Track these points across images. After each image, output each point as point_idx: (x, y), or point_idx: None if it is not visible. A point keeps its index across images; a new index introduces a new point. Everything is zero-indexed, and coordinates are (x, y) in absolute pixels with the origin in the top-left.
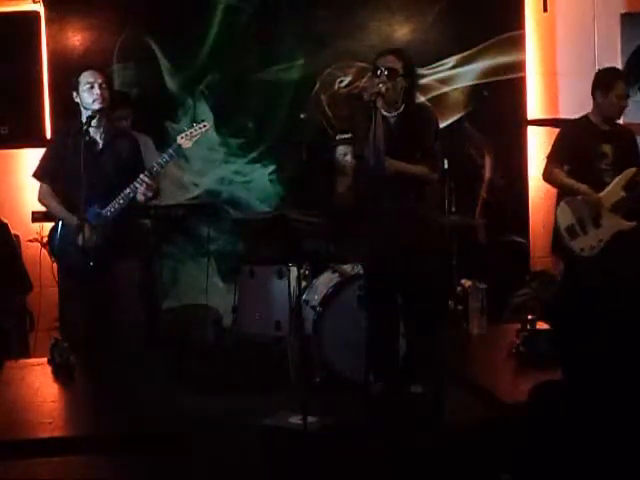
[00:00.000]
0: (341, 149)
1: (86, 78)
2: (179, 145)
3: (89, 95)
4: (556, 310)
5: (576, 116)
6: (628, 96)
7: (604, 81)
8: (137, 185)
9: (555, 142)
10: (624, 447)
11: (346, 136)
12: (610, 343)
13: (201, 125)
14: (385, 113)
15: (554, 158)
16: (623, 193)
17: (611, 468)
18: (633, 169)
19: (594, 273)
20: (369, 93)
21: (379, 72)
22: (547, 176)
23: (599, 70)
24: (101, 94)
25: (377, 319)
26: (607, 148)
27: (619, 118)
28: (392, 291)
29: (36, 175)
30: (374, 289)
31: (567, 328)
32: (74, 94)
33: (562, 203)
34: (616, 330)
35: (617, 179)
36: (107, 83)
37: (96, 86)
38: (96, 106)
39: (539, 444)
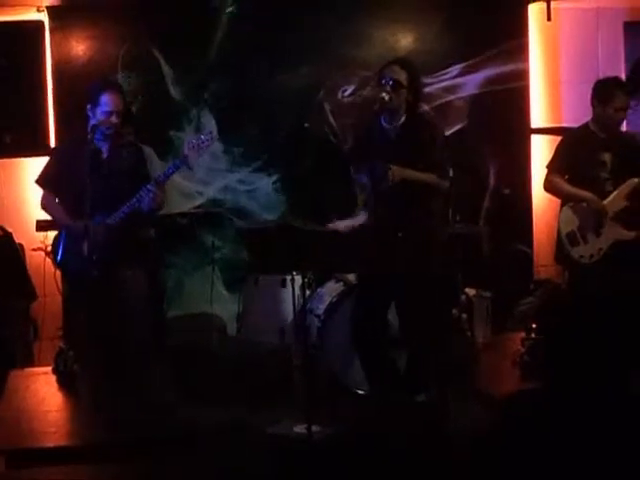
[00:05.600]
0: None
1: (107, 105)
2: (185, 157)
3: (105, 120)
4: (542, 320)
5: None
6: (628, 108)
7: (603, 93)
8: (142, 195)
9: (555, 151)
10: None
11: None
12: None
13: (208, 137)
14: (386, 125)
15: (554, 167)
16: (626, 203)
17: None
18: (637, 179)
19: (595, 282)
20: (372, 102)
21: (384, 82)
22: (548, 185)
23: (598, 80)
24: (117, 123)
25: (363, 331)
26: (606, 156)
27: (618, 129)
28: (385, 303)
29: (39, 182)
30: (366, 301)
31: (552, 337)
32: (88, 106)
33: (565, 208)
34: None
35: (620, 188)
36: (124, 106)
37: (114, 115)
38: (108, 132)
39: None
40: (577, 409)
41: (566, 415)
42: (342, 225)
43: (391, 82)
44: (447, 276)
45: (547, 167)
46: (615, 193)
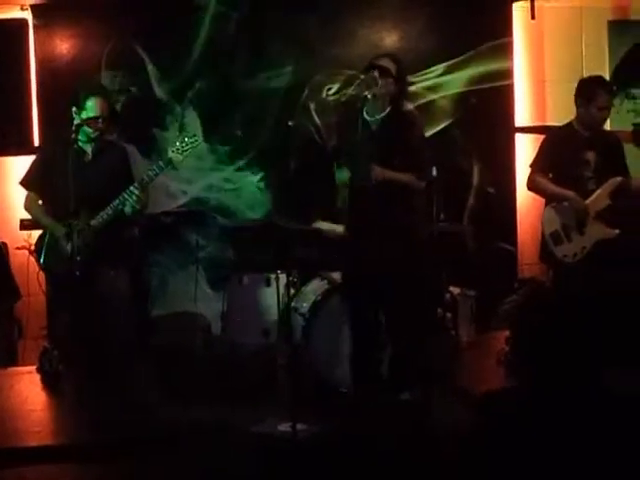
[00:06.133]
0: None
1: (93, 110)
2: (170, 159)
3: (91, 125)
4: (516, 319)
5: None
6: (611, 106)
7: (586, 92)
8: (126, 197)
9: (538, 150)
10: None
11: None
12: (568, 354)
13: (192, 139)
14: (368, 118)
15: (538, 166)
16: (609, 201)
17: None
18: (620, 178)
19: (578, 280)
20: (356, 99)
21: (372, 69)
22: (531, 185)
23: (582, 79)
24: (102, 127)
25: (357, 330)
26: (590, 155)
27: (601, 128)
28: (373, 302)
29: (23, 184)
30: (354, 300)
31: (526, 336)
32: (74, 109)
33: (548, 208)
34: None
35: (603, 187)
36: (109, 110)
37: (100, 121)
38: (94, 135)
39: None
40: (559, 407)
41: (548, 413)
42: (325, 226)
43: (378, 68)
44: (431, 274)
45: (530, 166)
46: (598, 192)
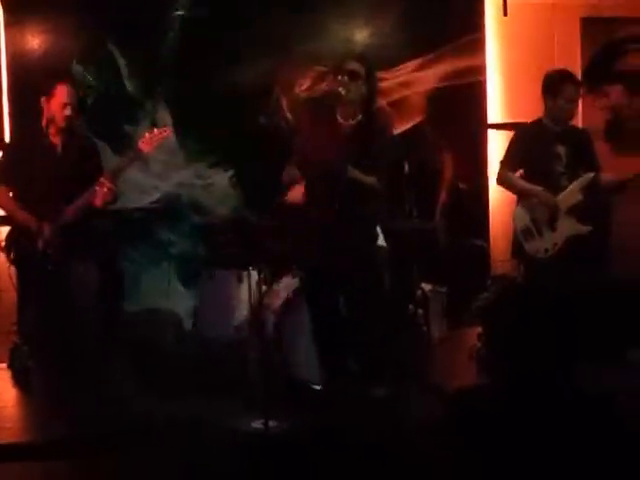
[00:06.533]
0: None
1: (62, 96)
2: (139, 149)
3: (60, 113)
4: (488, 314)
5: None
6: (578, 99)
7: (552, 85)
8: (96, 189)
9: (509, 147)
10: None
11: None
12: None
13: (162, 130)
14: (341, 120)
15: (507, 163)
16: (580, 197)
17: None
18: (592, 174)
19: (550, 276)
20: (329, 96)
21: (340, 75)
22: (501, 181)
23: (547, 73)
24: (71, 116)
25: (318, 322)
26: (561, 149)
27: (570, 121)
28: (332, 294)
29: None
30: (314, 293)
31: (498, 333)
32: (43, 99)
33: (519, 206)
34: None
35: (575, 182)
36: (77, 98)
37: (69, 107)
38: (63, 124)
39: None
40: (531, 404)
41: (520, 410)
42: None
43: (347, 73)
44: (400, 271)
45: (500, 162)
46: (570, 187)
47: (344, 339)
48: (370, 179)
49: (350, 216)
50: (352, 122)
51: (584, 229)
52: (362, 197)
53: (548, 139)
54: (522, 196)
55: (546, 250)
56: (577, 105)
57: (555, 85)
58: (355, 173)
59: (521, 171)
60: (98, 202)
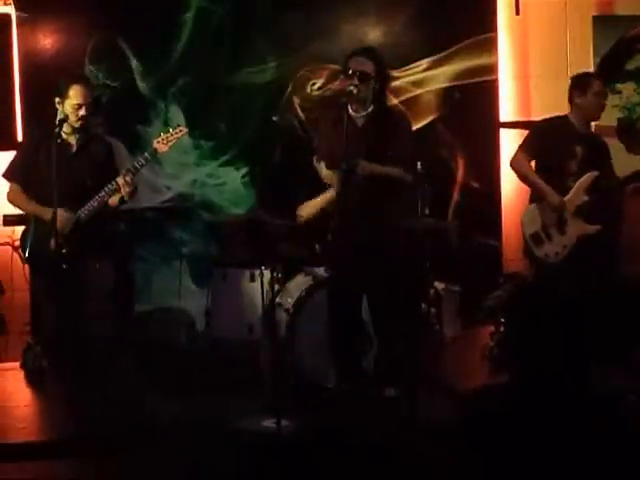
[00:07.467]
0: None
1: (76, 97)
2: (155, 149)
3: (74, 114)
4: (506, 313)
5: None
6: (605, 94)
7: (581, 81)
8: (111, 188)
9: (530, 132)
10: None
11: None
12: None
13: (177, 129)
14: (353, 113)
15: (525, 148)
16: (585, 197)
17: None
18: (595, 172)
19: (561, 276)
20: (340, 95)
21: (350, 74)
22: (514, 163)
23: (574, 75)
24: (86, 116)
25: (340, 322)
26: (579, 150)
27: (599, 117)
28: (356, 295)
29: (6, 176)
30: (338, 293)
31: (511, 332)
32: (57, 99)
33: (527, 210)
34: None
35: (579, 182)
36: (92, 98)
37: (83, 108)
38: (77, 125)
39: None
40: (542, 404)
41: (532, 410)
42: (304, 211)
43: (358, 73)
44: (415, 270)
45: (519, 146)
46: (575, 188)
47: (362, 339)
48: (392, 170)
49: (380, 210)
50: (363, 113)
51: (592, 229)
52: (391, 190)
53: (570, 137)
54: (527, 185)
55: (557, 253)
56: (605, 102)
57: (584, 81)
58: (375, 167)
59: (533, 162)
60: (112, 201)
